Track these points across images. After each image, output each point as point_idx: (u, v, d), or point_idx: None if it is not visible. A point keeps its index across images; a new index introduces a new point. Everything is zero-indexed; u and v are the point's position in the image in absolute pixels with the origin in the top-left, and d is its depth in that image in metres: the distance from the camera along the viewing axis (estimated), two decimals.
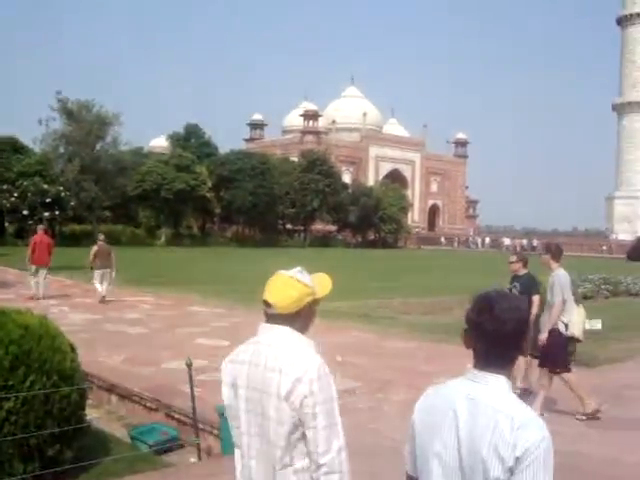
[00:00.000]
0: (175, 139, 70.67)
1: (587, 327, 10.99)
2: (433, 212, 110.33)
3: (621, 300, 21.67)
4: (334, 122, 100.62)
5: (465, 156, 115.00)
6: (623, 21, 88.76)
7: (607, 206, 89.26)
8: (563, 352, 7.84)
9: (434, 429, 2.10)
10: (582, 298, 12.67)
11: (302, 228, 74.23)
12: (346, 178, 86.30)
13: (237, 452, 2.55)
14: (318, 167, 69.79)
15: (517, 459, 1.92)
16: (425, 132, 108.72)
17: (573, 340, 7.95)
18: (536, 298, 8.45)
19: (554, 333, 7.70)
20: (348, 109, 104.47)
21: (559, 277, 7.77)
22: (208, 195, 61.50)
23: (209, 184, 61.60)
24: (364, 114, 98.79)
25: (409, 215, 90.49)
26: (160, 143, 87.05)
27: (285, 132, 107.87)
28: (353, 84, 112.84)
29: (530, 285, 8.58)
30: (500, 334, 2.04)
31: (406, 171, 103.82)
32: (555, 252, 7.96)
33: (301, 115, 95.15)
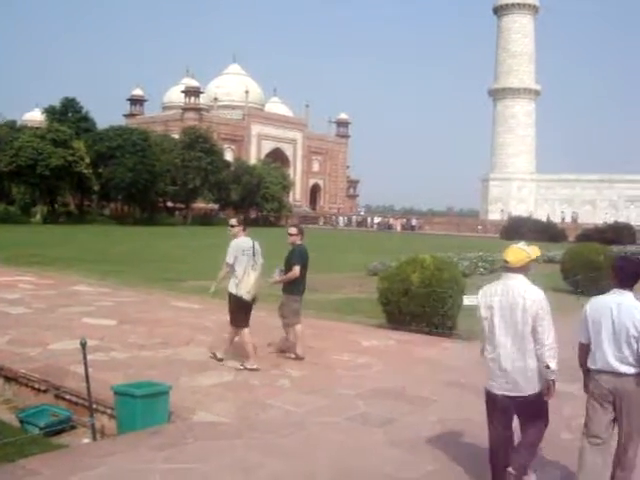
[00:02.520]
0: (51, 113, 67.93)
1: (466, 302, 11.51)
2: (314, 191, 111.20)
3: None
4: (216, 99, 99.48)
5: (347, 136, 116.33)
6: (499, 10, 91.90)
7: (482, 187, 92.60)
8: (236, 311, 8.63)
9: (601, 316, 4.76)
10: (462, 275, 13.16)
11: (183, 206, 73.24)
12: (228, 156, 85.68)
13: (488, 347, 4.92)
14: (200, 144, 68.90)
15: (637, 326, 4.61)
16: (307, 112, 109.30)
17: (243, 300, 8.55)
18: (296, 268, 8.99)
19: (231, 296, 8.62)
20: (230, 86, 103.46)
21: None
22: (86, 172, 59.54)
23: (87, 160, 59.64)
24: (246, 92, 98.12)
25: (291, 194, 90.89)
26: (35, 117, 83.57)
27: (165, 108, 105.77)
28: (235, 61, 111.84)
29: (296, 256, 9.10)
30: (628, 273, 4.84)
31: (288, 150, 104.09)
32: (243, 223, 9.01)
33: (182, 91, 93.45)
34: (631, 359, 4.63)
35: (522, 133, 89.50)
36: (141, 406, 6.02)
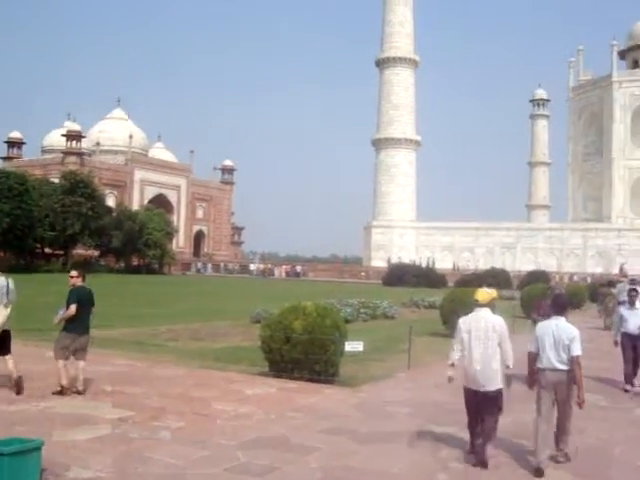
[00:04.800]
0: None
1: (348, 349, 11.66)
2: (199, 238, 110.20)
3: (379, 323, 22.98)
4: (98, 144, 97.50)
5: (232, 183, 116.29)
6: (381, 64, 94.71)
7: (365, 235, 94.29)
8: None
9: (544, 334, 7.23)
10: (345, 322, 13.34)
11: (62, 253, 70.91)
12: (110, 202, 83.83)
13: (466, 357, 7.09)
14: (81, 189, 67.05)
15: (570, 338, 7.09)
16: (192, 158, 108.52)
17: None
18: (72, 307, 9.68)
19: None
20: (113, 131, 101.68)
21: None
22: None
23: None
24: (130, 137, 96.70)
25: (174, 241, 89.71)
26: None
27: (45, 152, 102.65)
28: (119, 106, 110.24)
29: (73, 296, 9.79)
30: (560, 305, 7.64)
31: (172, 196, 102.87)
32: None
33: (63, 135, 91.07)
34: (565, 360, 7.13)
35: (404, 182, 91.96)
36: (9, 465, 5.70)
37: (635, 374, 12.26)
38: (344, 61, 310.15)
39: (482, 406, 7.11)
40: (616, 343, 12.53)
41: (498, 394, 7.09)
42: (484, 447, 7.07)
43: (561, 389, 7.15)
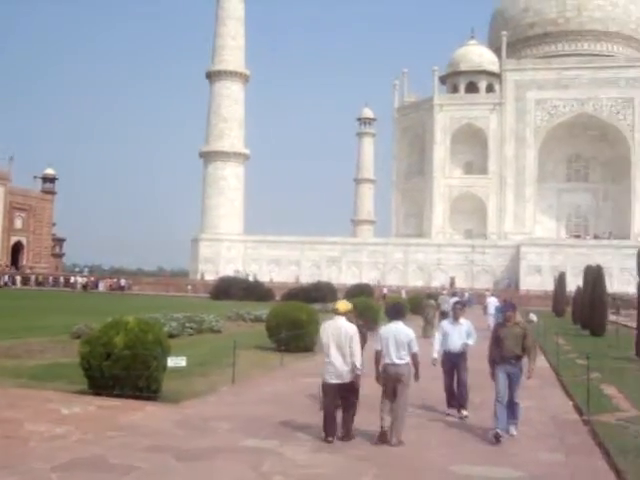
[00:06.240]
0: None
1: (171, 364, 11.49)
2: (17, 250, 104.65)
3: (205, 337, 22.79)
4: None
5: (53, 192, 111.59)
6: (211, 76, 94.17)
7: (193, 248, 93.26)
8: None
9: (388, 334, 9.05)
10: (170, 336, 13.14)
11: None
12: None
13: (326, 359, 8.83)
14: None
15: (410, 339, 8.99)
16: (10, 165, 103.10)
17: None
18: None
19: None
20: None
21: None
22: None
23: None
24: None
25: None
26: None
27: None
28: None
29: None
30: (396, 312, 9.46)
31: None
32: None
33: None
34: (403, 356, 8.98)
35: (232, 195, 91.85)
36: None
37: (460, 401, 11.22)
38: (174, 72, 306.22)
39: (343, 394, 8.92)
40: (435, 362, 11.13)
41: (353, 385, 8.88)
42: (349, 425, 9.04)
43: (399, 380, 8.99)
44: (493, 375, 9.88)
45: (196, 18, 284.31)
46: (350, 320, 9.16)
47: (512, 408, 9.77)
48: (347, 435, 8.96)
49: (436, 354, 11.21)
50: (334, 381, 8.80)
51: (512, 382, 9.77)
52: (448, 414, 11.18)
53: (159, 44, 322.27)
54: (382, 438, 8.79)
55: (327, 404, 8.91)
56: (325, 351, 8.89)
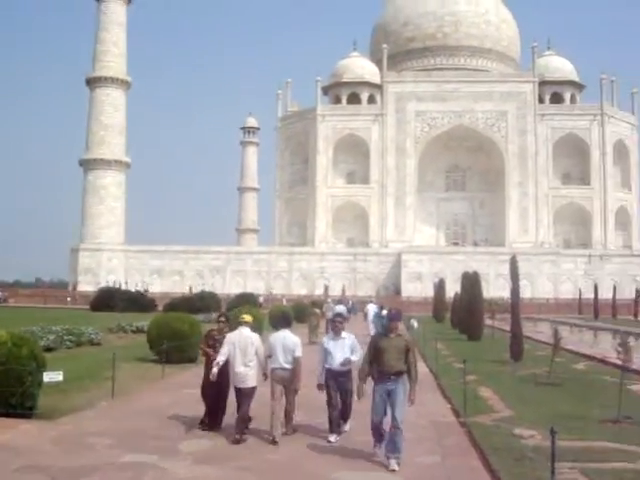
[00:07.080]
0: None
1: (46, 380, 11.08)
2: None
3: (84, 350, 22.14)
4: None
5: None
6: (91, 82, 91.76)
7: (72, 258, 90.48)
8: None
9: (276, 341, 9.87)
10: (46, 350, 12.67)
11: None
12: None
13: (231, 365, 9.79)
14: None
15: (294, 345, 9.79)
16: None
17: None
18: None
19: None
20: None
21: None
22: None
23: None
24: None
25: None
26: None
27: None
28: None
29: None
30: (284, 321, 10.90)
31: None
32: None
33: None
34: (290, 361, 9.74)
35: (113, 204, 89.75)
36: None
37: (343, 415, 10.15)
38: (53, 77, 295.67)
39: (241, 398, 9.75)
40: (320, 387, 9.91)
41: (253, 389, 9.82)
42: (241, 428, 9.63)
43: (287, 382, 9.80)
44: (360, 393, 8.82)
45: (75, 19, 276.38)
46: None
47: (392, 438, 8.41)
48: (236, 440, 9.51)
49: (321, 377, 9.87)
50: (238, 385, 9.81)
51: (393, 401, 8.48)
52: (329, 441, 9.73)
53: (35, 50, 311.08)
54: (274, 444, 9.44)
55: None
56: (230, 357, 9.76)
